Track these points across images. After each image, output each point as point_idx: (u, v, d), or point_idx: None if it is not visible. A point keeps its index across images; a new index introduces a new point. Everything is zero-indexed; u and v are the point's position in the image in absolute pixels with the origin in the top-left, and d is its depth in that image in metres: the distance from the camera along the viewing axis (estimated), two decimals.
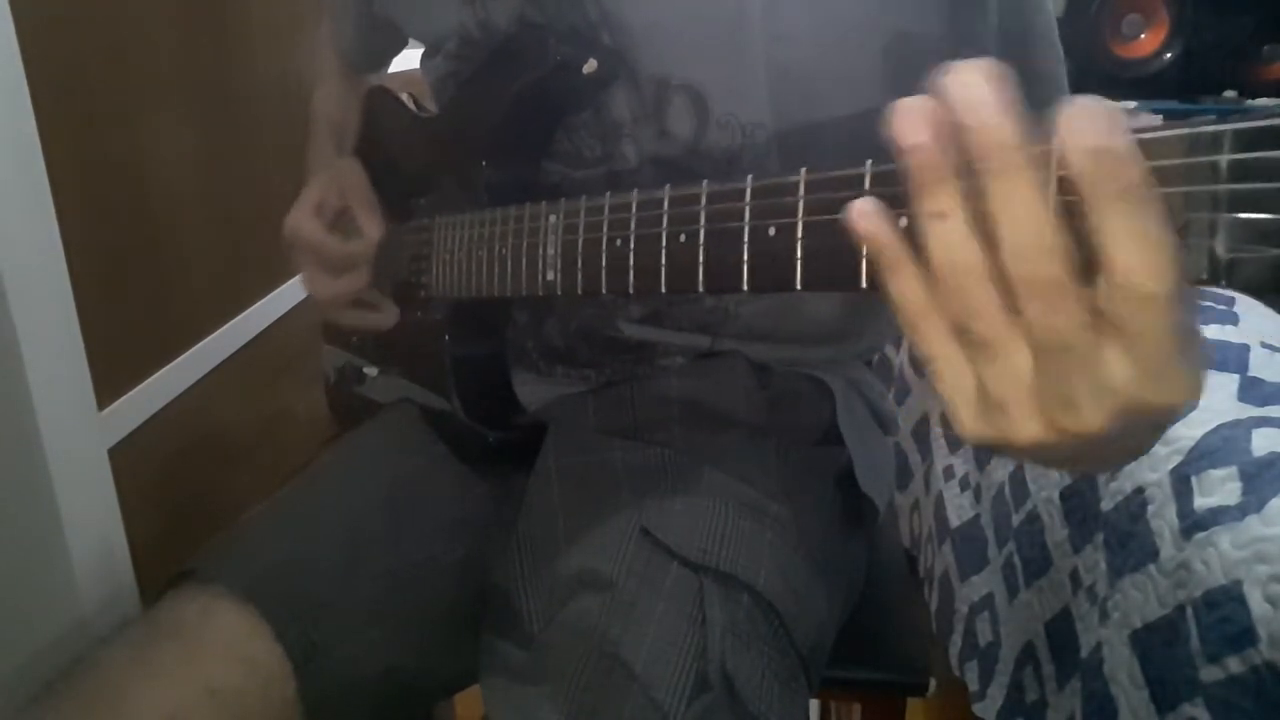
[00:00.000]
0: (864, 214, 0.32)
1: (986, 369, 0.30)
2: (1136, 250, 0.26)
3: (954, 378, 0.31)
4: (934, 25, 0.54)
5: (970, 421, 0.31)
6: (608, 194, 0.48)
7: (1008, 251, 0.28)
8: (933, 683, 0.77)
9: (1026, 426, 0.30)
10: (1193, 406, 0.28)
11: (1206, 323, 1.04)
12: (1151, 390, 0.28)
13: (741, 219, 0.41)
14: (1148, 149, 0.28)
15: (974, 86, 0.28)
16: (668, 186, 0.44)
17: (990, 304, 0.29)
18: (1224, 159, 0.26)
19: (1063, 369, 0.29)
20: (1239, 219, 0.26)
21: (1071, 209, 0.28)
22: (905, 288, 0.31)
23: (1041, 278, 0.28)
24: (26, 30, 0.73)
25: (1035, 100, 0.58)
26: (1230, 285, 0.27)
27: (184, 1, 0.98)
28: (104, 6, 0.84)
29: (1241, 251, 0.26)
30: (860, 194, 0.33)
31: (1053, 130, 0.28)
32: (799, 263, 0.38)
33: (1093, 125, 0.27)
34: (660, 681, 0.51)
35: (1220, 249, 0.27)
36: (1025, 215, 0.28)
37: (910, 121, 0.29)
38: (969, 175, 0.29)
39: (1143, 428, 0.31)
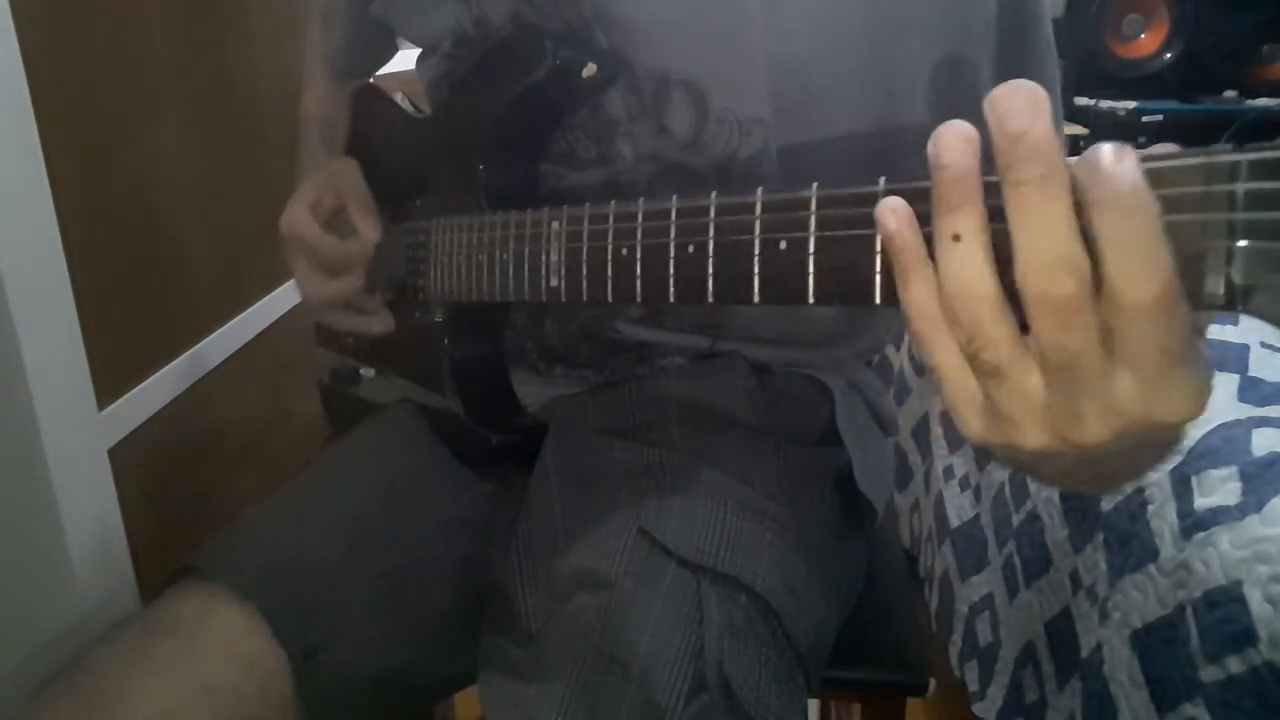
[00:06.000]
0: (894, 211, 0.32)
1: (995, 389, 0.31)
2: (1128, 260, 0.27)
3: (960, 389, 0.32)
4: (933, 21, 0.54)
5: (976, 428, 0.32)
6: (612, 203, 0.48)
7: (1025, 268, 0.29)
8: (933, 683, 0.77)
9: (1032, 437, 0.30)
10: (1194, 423, 0.29)
11: (1224, 314, 1.04)
12: (1154, 405, 0.28)
13: (752, 232, 0.41)
14: (1164, 177, 0.28)
15: (1023, 98, 0.29)
16: (674, 197, 0.44)
17: (999, 333, 0.30)
18: (1241, 187, 0.27)
19: (1071, 386, 0.29)
20: (1256, 247, 0.27)
21: (1081, 227, 0.28)
22: (918, 297, 0.32)
23: (1056, 295, 0.28)
24: (26, 30, 0.73)
25: None
26: (1247, 312, 0.27)
27: (184, 1, 0.98)
28: (104, 6, 0.84)
29: (1259, 279, 0.27)
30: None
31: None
32: (811, 277, 0.39)
33: (1098, 150, 0.28)
34: (657, 681, 0.51)
35: (1237, 276, 0.27)
36: (1046, 229, 0.28)
37: (950, 140, 0.30)
38: (990, 198, 0.30)
39: (1146, 445, 0.31)
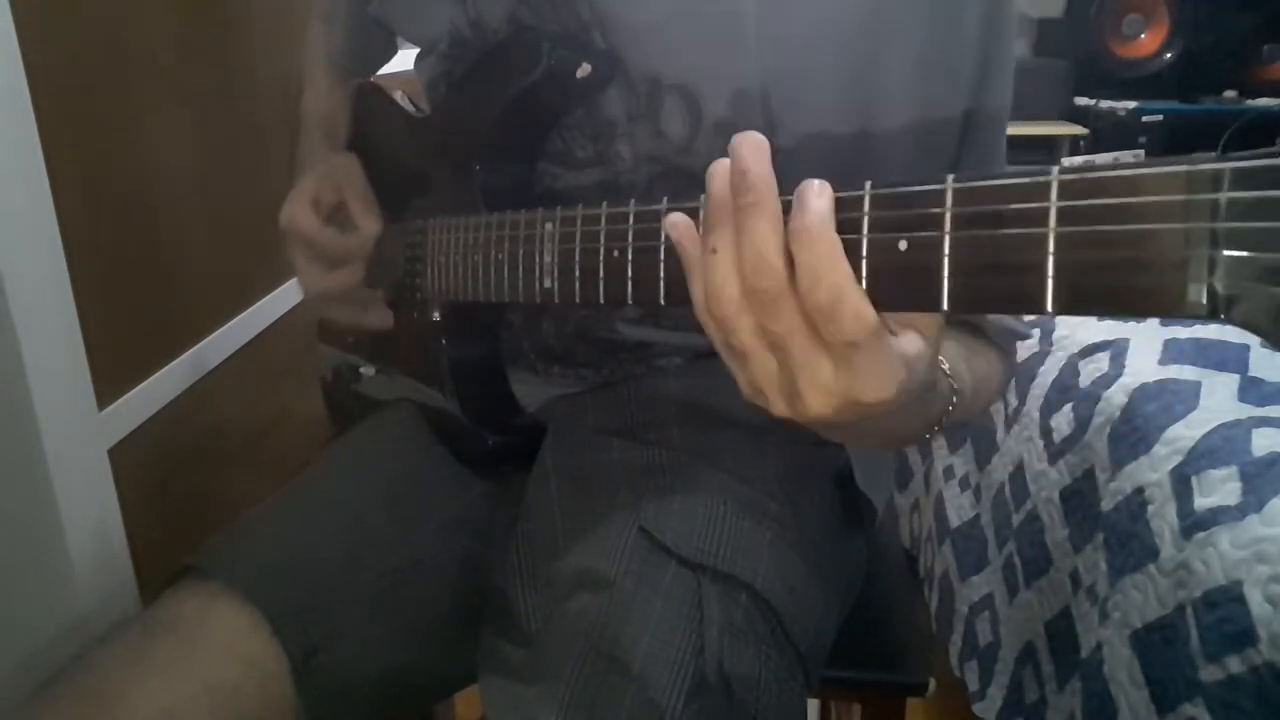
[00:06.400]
0: (674, 225, 0.40)
1: (742, 367, 0.39)
2: (809, 276, 0.35)
3: (729, 365, 0.41)
4: (920, 28, 0.55)
5: (745, 396, 0.41)
6: (604, 204, 0.48)
7: (741, 269, 0.37)
8: (933, 683, 0.77)
9: (777, 406, 0.39)
10: (892, 401, 0.36)
11: (1207, 322, 1.04)
12: (851, 386, 0.36)
13: None
14: (1145, 184, 0.28)
15: (750, 146, 0.37)
16: (665, 199, 0.44)
17: (743, 325, 0.38)
18: (1224, 196, 0.27)
19: (790, 364, 0.37)
20: (1239, 256, 0.26)
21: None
22: (695, 295, 0.39)
23: (758, 289, 0.36)
24: (26, 30, 0.73)
25: (977, 138, 0.59)
26: (1230, 321, 0.27)
27: (184, 2, 0.98)
28: (104, 6, 0.84)
29: (1241, 289, 0.26)
30: (859, 215, 0.36)
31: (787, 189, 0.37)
32: None
33: (807, 194, 0.36)
34: (657, 680, 0.51)
35: (1220, 286, 0.27)
36: (754, 241, 0.36)
37: (715, 172, 0.38)
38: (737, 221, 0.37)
39: (871, 417, 0.38)
